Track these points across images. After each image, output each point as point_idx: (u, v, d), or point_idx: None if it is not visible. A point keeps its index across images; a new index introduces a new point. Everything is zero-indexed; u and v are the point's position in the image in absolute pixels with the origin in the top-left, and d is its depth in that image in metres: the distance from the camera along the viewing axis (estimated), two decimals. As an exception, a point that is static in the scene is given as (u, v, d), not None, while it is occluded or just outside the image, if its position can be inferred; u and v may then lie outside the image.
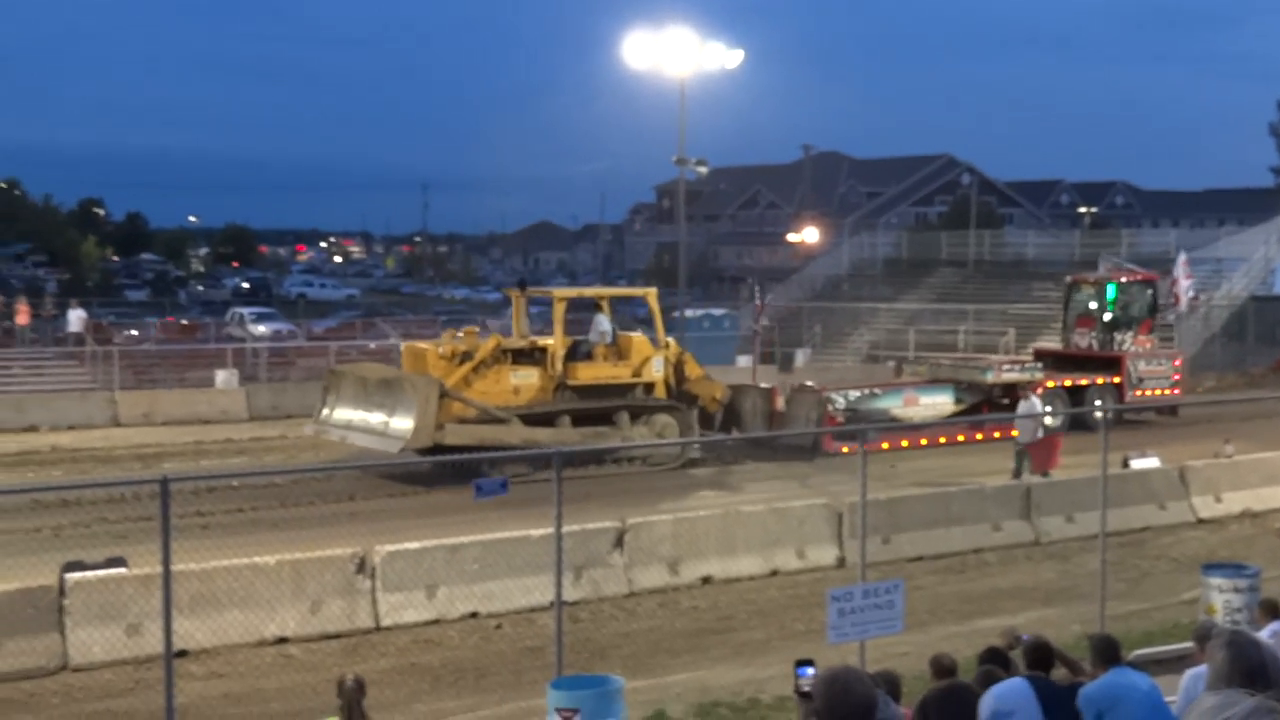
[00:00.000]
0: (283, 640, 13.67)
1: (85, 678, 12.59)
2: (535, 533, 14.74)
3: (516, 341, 25.11)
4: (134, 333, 46.08)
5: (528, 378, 24.11)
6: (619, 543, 15.84)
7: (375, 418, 22.87)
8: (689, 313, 44.30)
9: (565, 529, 10.75)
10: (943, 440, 27.13)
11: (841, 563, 17.09)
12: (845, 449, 25.43)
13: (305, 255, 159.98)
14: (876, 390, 28.73)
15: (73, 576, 13.11)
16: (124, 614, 13.00)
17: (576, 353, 24.98)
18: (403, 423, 22.17)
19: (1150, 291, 32.96)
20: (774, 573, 16.74)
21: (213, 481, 20.84)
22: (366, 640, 13.96)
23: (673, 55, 40.58)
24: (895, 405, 28.11)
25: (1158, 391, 31.10)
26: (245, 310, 52.62)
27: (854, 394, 27.80)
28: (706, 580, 16.26)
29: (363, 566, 14.32)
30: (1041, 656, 8.00)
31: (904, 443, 26.69)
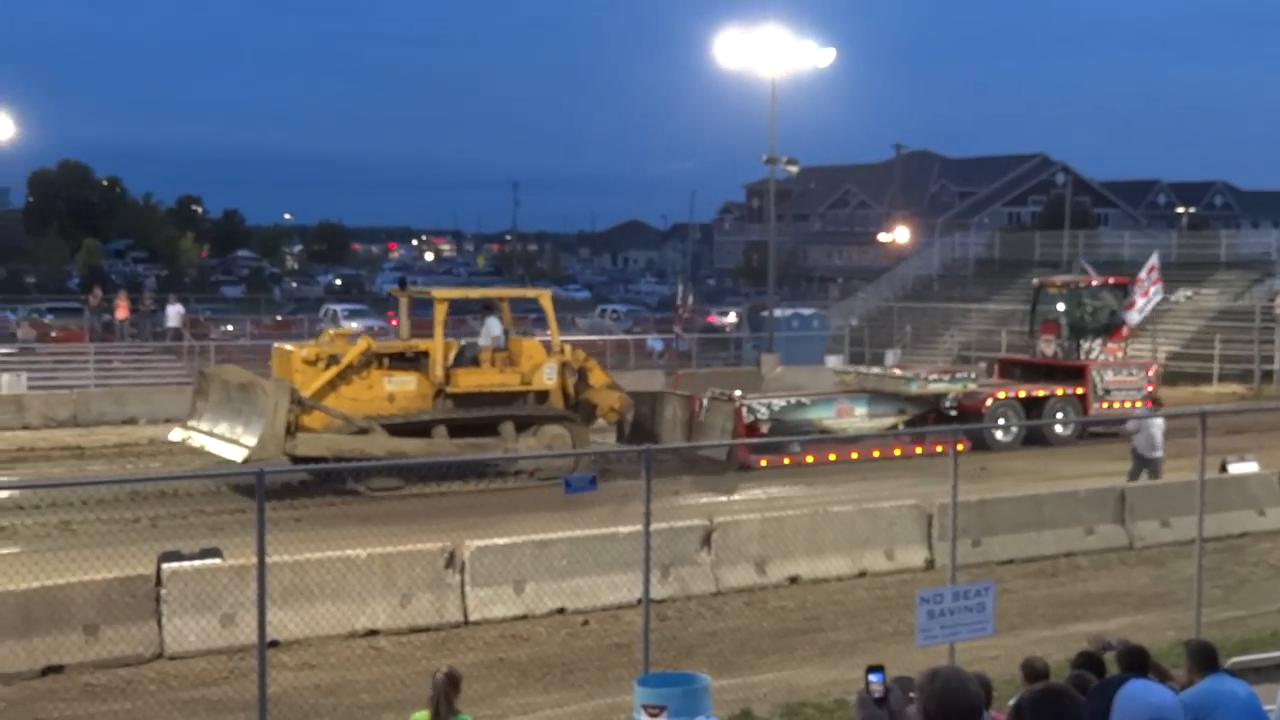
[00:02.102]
0: (373, 633, 13.81)
1: (180, 666, 12.81)
2: (623, 530, 14.76)
3: (391, 345, 23.83)
4: (229, 328, 46.89)
5: (404, 384, 22.48)
6: (707, 541, 15.83)
7: (232, 424, 21.62)
8: (778, 312, 44.16)
9: (654, 527, 10.76)
10: (876, 454, 25.48)
11: (931, 564, 16.94)
12: (763, 462, 24.32)
13: (397, 253, 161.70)
14: (804, 400, 26.48)
15: (169, 566, 13.33)
16: (218, 604, 13.20)
17: (462, 358, 23.53)
18: (252, 431, 20.92)
19: (1123, 298, 30.90)
20: (862, 573, 16.62)
21: (305, 475, 21.11)
22: (455, 634, 14.06)
23: (765, 54, 40.52)
24: (826, 416, 26.07)
25: (1127, 404, 29.10)
26: (338, 307, 53.36)
27: (778, 403, 25.77)
28: (794, 580, 16.19)
29: (452, 561, 14.43)
30: (1137, 661, 7.86)
31: (831, 456, 24.88)
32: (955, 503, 11.89)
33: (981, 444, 26.43)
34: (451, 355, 23.27)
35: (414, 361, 22.83)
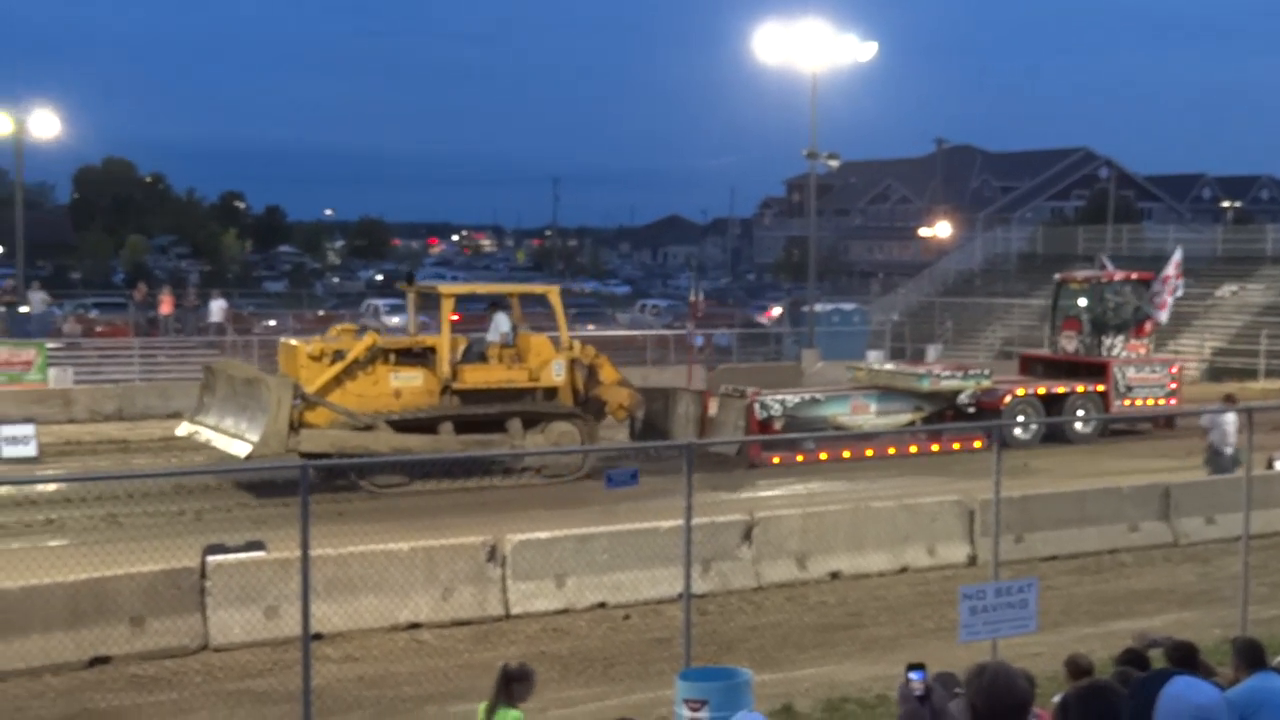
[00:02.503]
0: (415, 626, 13.88)
1: (225, 657, 12.92)
2: (664, 524, 14.78)
3: (397, 341, 23.62)
4: (272, 323, 47.17)
5: (411, 380, 22.23)
6: (747, 536, 15.82)
7: (237, 420, 21.45)
8: (819, 307, 44.06)
9: (694, 522, 10.77)
10: (892, 451, 25.19)
11: (973, 560, 16.88)
12: (776, 459, 24.00)
13: (437, 248, 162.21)
14: (818, 396, 26.26)
15: (214, 559, 13.45)
16: (262, 596, 13.30)
17: (469, 354, 23.28)
18: (256, 427, 20.75)
19: (1146, 293, 30.27)
20: (904, 569, 16.58)
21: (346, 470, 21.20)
22: (496, 628, 14.11)
23: (805, 48, 40.39)
24: (841, 413, 25.80)
25: (1150, 401, 28.64)
26: (380, 302, 53.52)
27: (791, 400, 25.51)
28: (835, 575, 16.16)
29: (493, 555, 14.48)
30: (1186, 656, 7.80)
31: (846, 453, 24.68)
32: (998, 498, 11.85)
33: (1000, 441, 26.03)
34: (459, 351, 23.12)
35: (421, 357, 22.63)
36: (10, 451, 23.59)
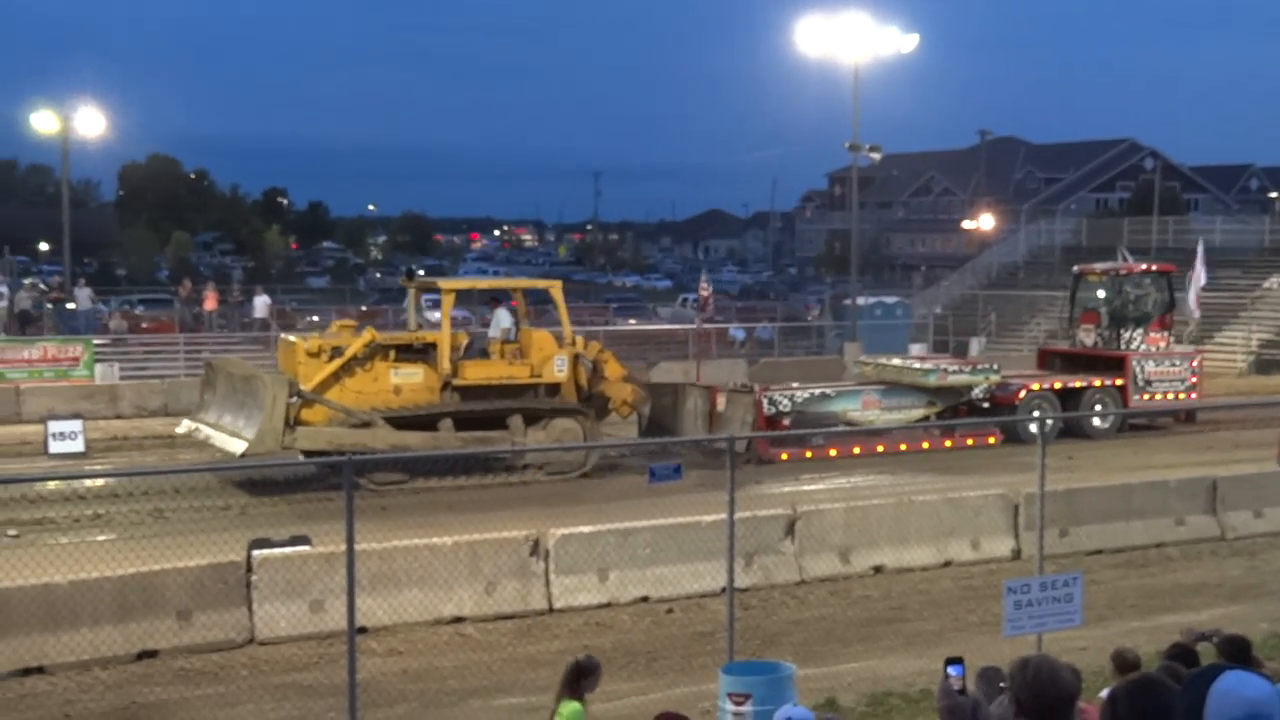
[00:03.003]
0: (459, 620, 13.94)
1: (270, 651, 13.01)
2: (706, 519, 14.78)
3: (397, 337, 23.30)
4: (315, 319, 47.38)
5: (411, 376, 21.99)
6: (790, 530, 15.80)
7: (235, 417, 21.27)
8: (861, 301, 43.91)
9: (737, 515, 10.77)
10: (904, 447, 24.86)
11: (1017, 554, 16.80)
12: (784, 455, 23.63)
13: (479, 243, 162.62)
14: (828, 392, 25.79)
15: (259, 553, 13.55)
16: (307, 590, 13.40)
17: (471, 350, 23.07)
18: (252, 424, 20.56)
19: (1166, 285, 29.63)
20: (947, 563, 16.53)
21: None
22: (540, 622, 14.16)
23: (847, 40, 40.27)
24: (852, 408, 25.33)
25: (1170, 395, 28.07)
26: (422, 296, 53.65)
27: (801, 395, 25.04)
28: (878, 569, 16.12)
29: (536, 549, 14.53)
30: (1239, 651, 7.72)
31: (856, 449, 24.40)
32: (1042, 492, 11.79)
33: (1015, 437, 25.74)
34: (461, 347, 22.91)
35: (422, 353, 22.39)
36: (58, 447, 23.82)
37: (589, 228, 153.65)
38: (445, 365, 22.08)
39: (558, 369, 22.87)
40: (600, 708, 11.43)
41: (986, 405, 26.35)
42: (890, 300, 48.56)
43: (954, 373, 26.45)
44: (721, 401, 24.68)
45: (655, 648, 13.33)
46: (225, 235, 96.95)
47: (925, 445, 25.26)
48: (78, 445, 24.03)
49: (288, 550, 13.82)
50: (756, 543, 15.18)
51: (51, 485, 20.21)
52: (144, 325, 43.39)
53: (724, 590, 10.99)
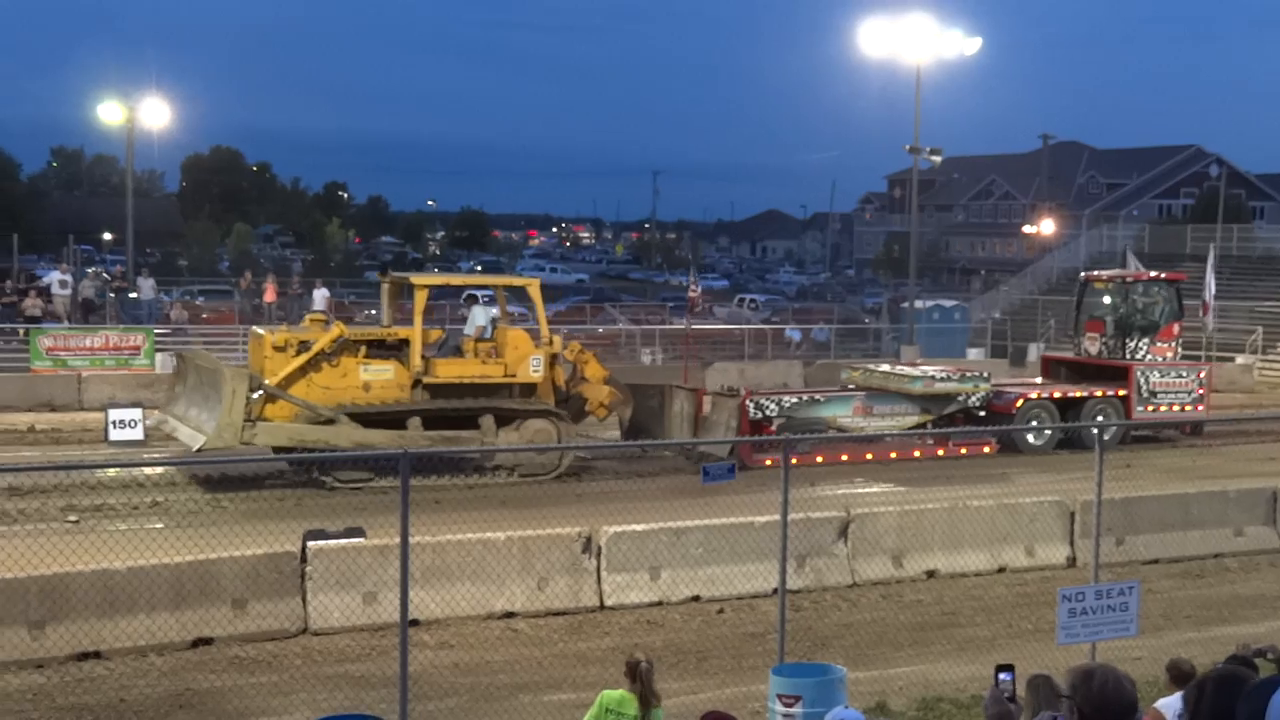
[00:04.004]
0: (510, 615, 13.99)
1: (324, 641, 13.11)
2: (759, 520, 14.75)
3: (368, 332, 22.82)
4: (373, 312, 47.67)
5: (382, 373, 21.52)
6: (843, 533, 15.75)
7: (199, 411, 20.99)
8: (919, 304, 43.68)
9: (790, 517, 10.74)
10: (894, 455, 24.14)
11: (1072, 562, 16.67)
12: (769, 461, 22.54)
13: (537, 240, 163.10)
14: (818, 397, 25.17)
15: (314, 544, 13.64)
16: (361, 582, 13.48)
17: (446, 348, 22.61)
18: (213, 418, 20.19)
19: (1175, 294, 28.64)
20: (1001, 569, 16.42)
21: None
22: (590, 619, 14.18)
23: (909, 42, 40.10)
24: (842, 414, 24.61)
25: (1175, 408, 27.05)
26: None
27: (789, 400, 24.62)
28: (931, 574, 16.04)
29: (588, 546, 14.55)
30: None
31: (844, 456, 23.58)
32: (1099, 500, 11.68)
33: (1012, 446, 25.29)
34: (435, 345, 22.58)
35: (394, 350, 21.95)
36: (118, 435, 24.09)
37: (646, 226, 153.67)
38: (416, 362, 21.70)
39: (533, 368, 22.28)
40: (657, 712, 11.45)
41: (983, 414, 25.70)
42: (948, 304, 48.27)
43: (941, 380, 25.66)
44: (707, 405, 24.25)
45: (705, 647, 13.32)
46: (286, 228, 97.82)
47: (917, 454, 24.56)
48: (137, 433, 24.27)
49: (342, 542, 13.91)
50: (809, 545, 15.14)
51: (111, 472, 20.45)
52: (205, 316, 43.85)
53: (775, 591, 10.97)
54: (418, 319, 22.05)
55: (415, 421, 21.30)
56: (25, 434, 25.44)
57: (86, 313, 38.80)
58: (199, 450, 19.61)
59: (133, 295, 41.73)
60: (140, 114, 44.37)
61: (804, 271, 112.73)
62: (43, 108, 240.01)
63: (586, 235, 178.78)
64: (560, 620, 14.05)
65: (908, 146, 41.35)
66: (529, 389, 22.35)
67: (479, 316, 23.11)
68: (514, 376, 22.20)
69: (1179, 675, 8.00)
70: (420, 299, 22.14)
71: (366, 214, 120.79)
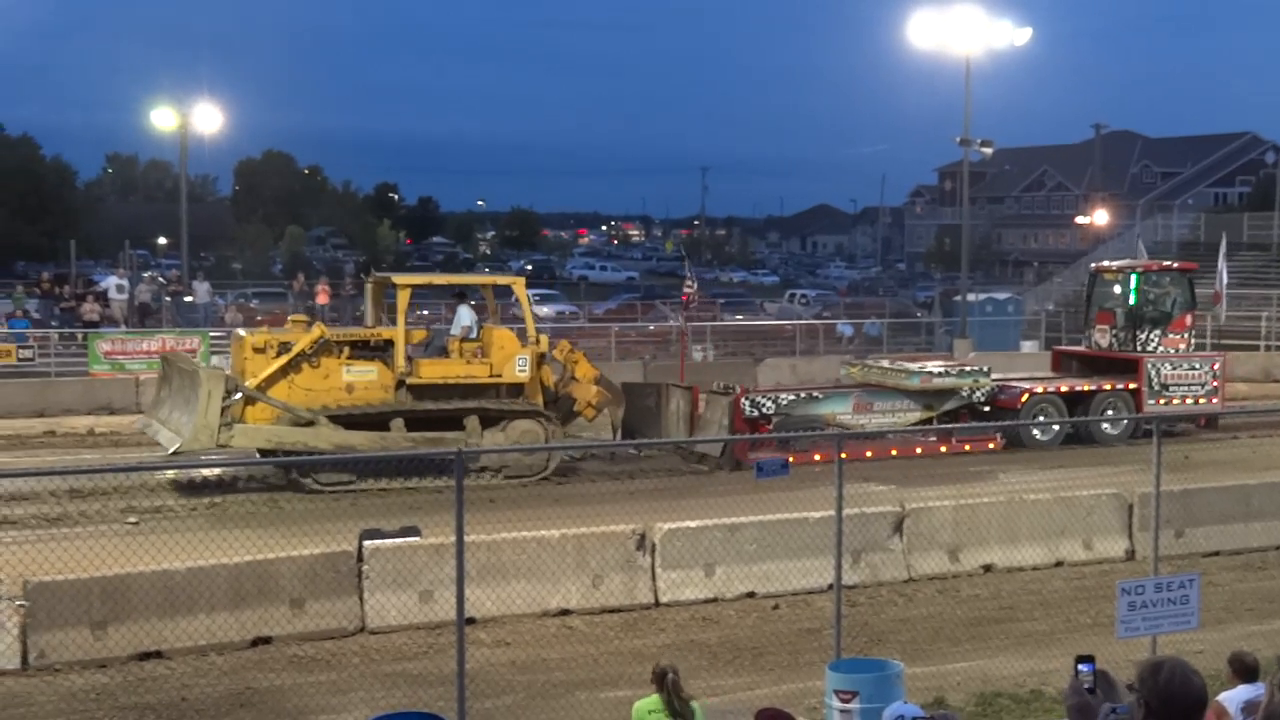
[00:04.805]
0: (565, 612, 14.03)
1: (381, 640, 13.20)
2: (814, 515, 14.71)
3: (351, 333, 22.56)
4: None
5: (365, 374, 21.21)
6: (898, 528, 15.68)
7: (180, 413, 20.70)
8: (971, 297, 43.40)
9: (845, 512, 10.71)
10: (894, 452, 23.39)
11: (1131, 555, 16.53)
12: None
13: (586, 238, 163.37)
14: (816, 394, 24.65)
15: (370, 544, 13.72)
16: (417, 581, 13.55)
17: (430, 348, 22.42)
18: (188, 420, 19.98)
19: (1187, 284, 27.80)
20: (1059, 563, 16.30)
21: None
22: (645, 616, 14.19)
23: (959, 34, 39.87)
24: (841, 411, 24.04)
25: (1189, 401, 26.41)
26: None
27: (785, 398, 24.12)
28: (988, 568, 15.94)
29: (643, 543, 14.56)
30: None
31: (843, 454, 23.14)
32: (1158, 491, 11.58)
33: (1017, 441, 24.75)
34: (420, 345, 22.42)
35: (378, 351, 21.69)
36: (176, 437, 24.27)
37: (696, 223, 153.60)
38: (400, 363, 21.45)
39: (519, 368, 21.93)
40: (707, 702, 11.46)
41: (987, 409, 25.08)
42: (1001, 296, 47.90)
43: (940, 375, 25.09)
44: (703, 403, 23.90)
45: (761, 643, 13.31)
46: (337, 230, 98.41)
47: (918, 451, 23.96)
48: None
49: (398, 541, 13.99)
50: (864, 540, 15.08)
51: (169, 474, 20.65)
52: (259, 318, 44.18)
53: (831, 587, 10.93)
54: (400, 319, 21.85)
55: (398, 423, 21.06)
56: (85, 437, 25.78)
57: (143, 317, 39.25)
58: (174, 453, 19.44)
59: (188, 299, 42.16)
60: (193, 119, 44.85)
61: (855, 266, 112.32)
62: (98, 115, 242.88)
63: (636, 233, 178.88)
64: (615, 617, 14.07)
65: (958, 139, 41.08)
66: (516, 389, 22.01)
67: (464, 316, 22.74)
68: (500, 377, 21.88)
69: (1242, 668, 7.93)
70: (403, 299, 21.89)
71: (417, 215, 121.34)
